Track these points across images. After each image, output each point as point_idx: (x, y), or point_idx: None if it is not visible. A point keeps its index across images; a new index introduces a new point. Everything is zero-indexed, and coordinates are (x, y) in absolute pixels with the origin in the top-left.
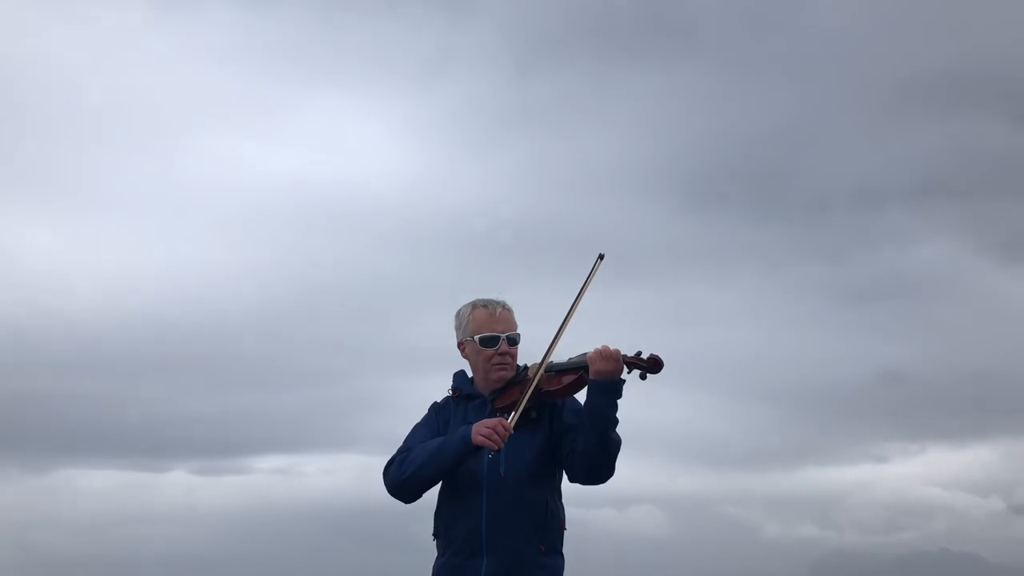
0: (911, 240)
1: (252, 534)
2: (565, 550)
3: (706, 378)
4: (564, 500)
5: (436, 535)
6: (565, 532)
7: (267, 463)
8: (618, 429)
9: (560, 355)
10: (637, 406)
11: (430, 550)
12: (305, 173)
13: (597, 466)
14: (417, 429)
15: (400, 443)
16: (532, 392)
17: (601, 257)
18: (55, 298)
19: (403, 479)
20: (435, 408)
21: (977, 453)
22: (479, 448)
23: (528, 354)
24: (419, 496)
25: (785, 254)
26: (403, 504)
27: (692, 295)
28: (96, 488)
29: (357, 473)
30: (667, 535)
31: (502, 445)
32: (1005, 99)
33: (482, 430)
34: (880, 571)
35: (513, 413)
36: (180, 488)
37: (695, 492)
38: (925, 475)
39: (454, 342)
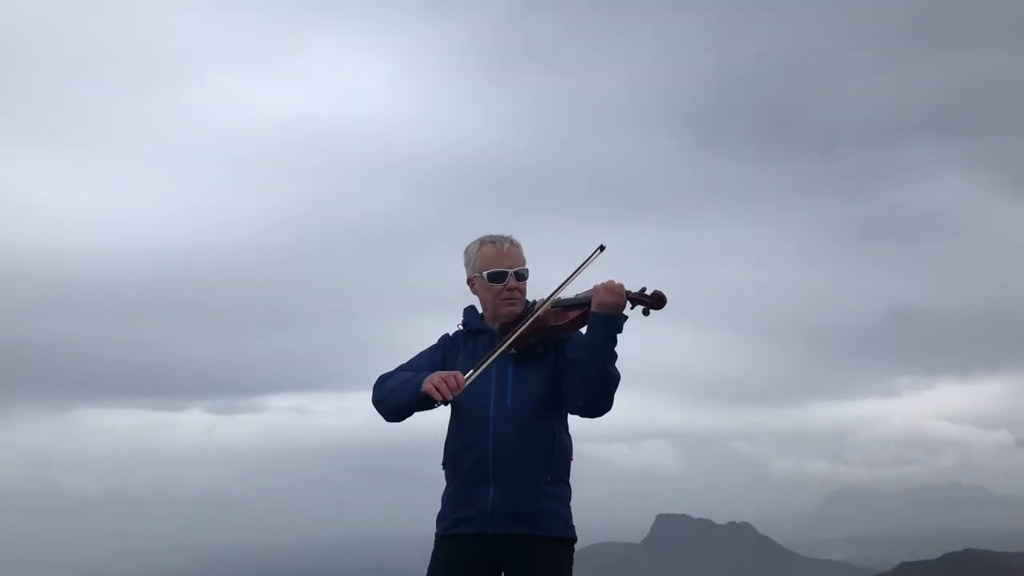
0: (922, 176)
1: (267, 471)
2: (572, 480)
3: (717, 316)
4: (575, 436)
5: (445, 465)
6: (572, 463)
7: (281, 402)
8: (626, 366)
9: (568, 292)
10: (648, 344)
11: (439, 484)
12: (310, 115)
13: (595, 399)
14: (420, 354)
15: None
16: (536, 325)
17: (601, 248)
18: (72, 242)
19: (377, 400)
20: (444, 340)
21: (986, 388)
22: (428, 398)
23: (533, 293)
24: (397, 421)
25: (795, 191)
26: (389, 423)
27: (702, 233)
28: (114, 427)
29: (369, 412)
30: (678, 470)
31: (450, 398)
32: (1020, 33)
33: (434, 379)
34: (889, 503)
35: (472, 371)
36: (196, 427)
37: (706, 428)
38: (934, 409)
39: (464, 280)
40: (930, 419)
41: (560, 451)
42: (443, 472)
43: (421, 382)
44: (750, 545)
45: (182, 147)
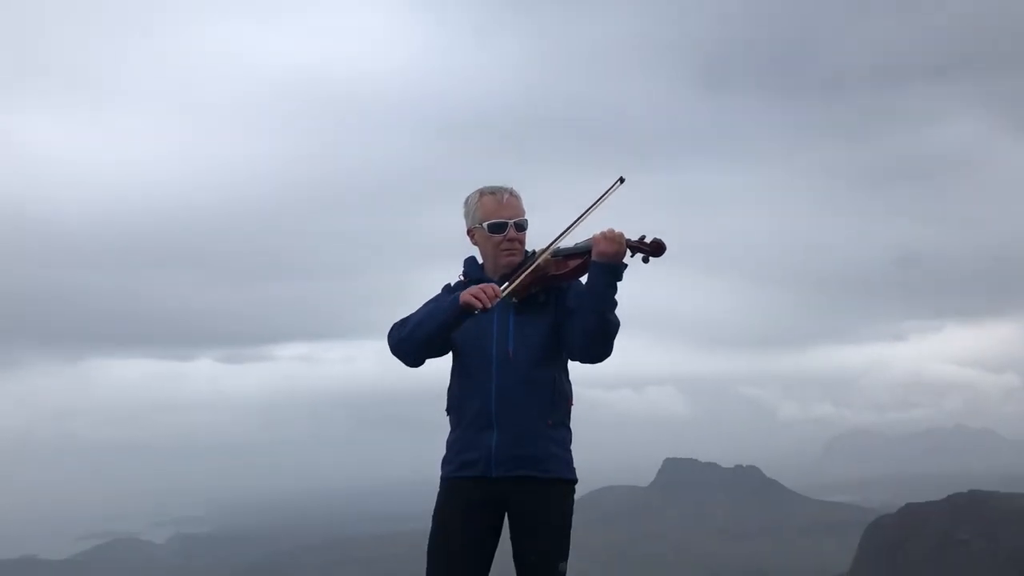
0: (931, 119)
1: (276, 419)
2: (579, 424)
3: (723, 262)
4: (582, 382)
5: (449, 411)
6: (572, 408)
7: (290, 351)
8: (633, 312)
9: (568, 241)
10: (655, 291)
11: (444, 430)
12: (315, 63)
13: (595, 346)
14: (426, 304)
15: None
16: (538, 275)
17: (621, 180)
18: (83, 194)
19: (401, 339)
20: (447, 289)
21: (994, 331)
22: (469, 309)
23: (535, 242)
24: (420, 360)
25: (802, 135)
26: (407, 367)
27: (707, 178)
28: (126, 377)
29: (376, 360)
30: (685, 415)
31: (490, 306)
32: None
33: (472, 290)
34: (895, 447)
35: (506, 284)
36: (206, 376)
37: (713, 373)
38: (941, 353)
39: (464, 231)
40: (937, 362)
41: (560, 397)
42: (447, 418)
43: (452, 299)
44: (757, 488)
45: (188, 97)
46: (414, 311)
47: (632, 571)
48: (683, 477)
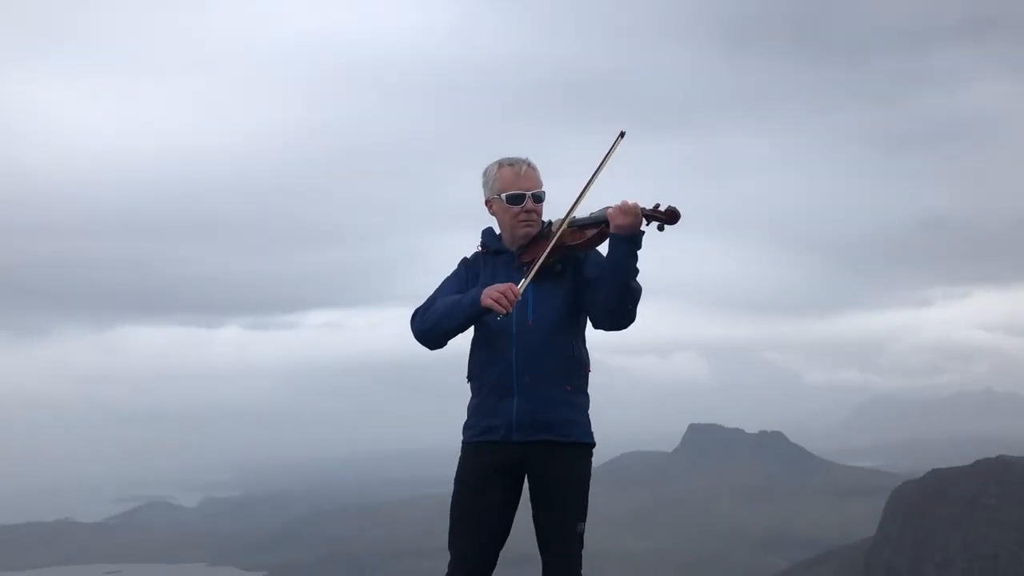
0: (959, 81)
1: (302, 385)
2: (604, 391)
3: (747, 228)
4: (605, 349)
5: (470, 378)
6: (589, 374)
7: (315, 318)
8: (658, 278)
9: (583, 210)
10: (678, 257)
11: (466, 394)
12: (335, 26)
13: (619, 313)
14: (446, 282)
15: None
16: (555, 247)
17: (622, 135)
18: (107, 164)
19: (424, 330)
20: (465, 263)
21: (1022, 295)
22: (488, 310)
23: (552, 211)
24: (442, 345)
25: (827, 98)
26: (429, 351)
27: (729, 143)
28: (154, 344)
29: (400, 326)
30: (709, 381)
31: (510, 310)
32: None
33: (492, 294)
34: (921, 412)
35: (524, 279)
36: (233, 343)
37: (737, 339)
38: (969, 318)
39: (482, 202)
40: (964, 328)
41: (578, 364)
42: (468, 384)
43: (475, 299)
44: (781, 453)
45: (212, 65)
46: (434, 295)
47: (656, 535)
48: (707, 442)
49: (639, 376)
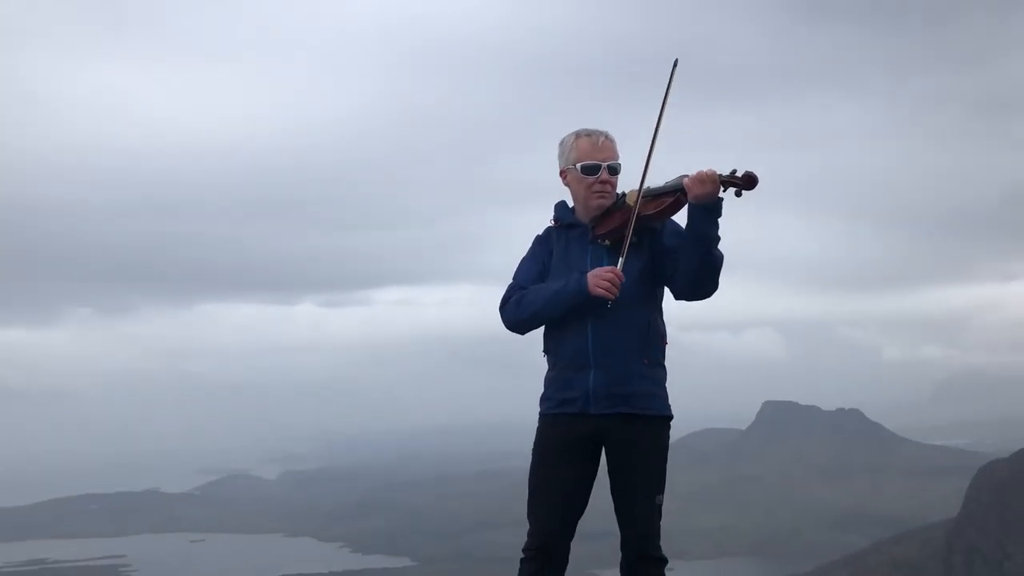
0: None
1: (376, 361)
2: (675, 368)
3: (823, 199)
4: (678, 325)
5: (546, 351)
6: (667, 347)
7: (388, 295)
8: (729, 252)
9: (657, 180)
10: (753, 231)
11: (539, 369)
12: (394, 8)
13: (702, 282)
14: (524, 263)
15: (509, 277)
16: (634, 221)
17: (676, 63)
18: (188, 146)
19: (521, 320)
20: (538, 240)
21: None
22: (595, 297)
23: (625, 183)
24: (531, 330)
25: (911, 63)
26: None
27: (807, 113)
28: (235, 320)
29: (472, 303)
30: (784, 358)
31: (618, 294)
32: None
33: (600, 282)
34: (1007, 389)
35: (620, 257)
36: (309, 319)
37: (813, 315)
38: None
39: (556, 172)
40: None
41: (656, 336)
42: (544, 357)
43: (581, 288)
44: (859, 431)
45: (285, 49)
46: (517, 280)
47: (729, 513)
48: (782, 420)
49: (712, 353)
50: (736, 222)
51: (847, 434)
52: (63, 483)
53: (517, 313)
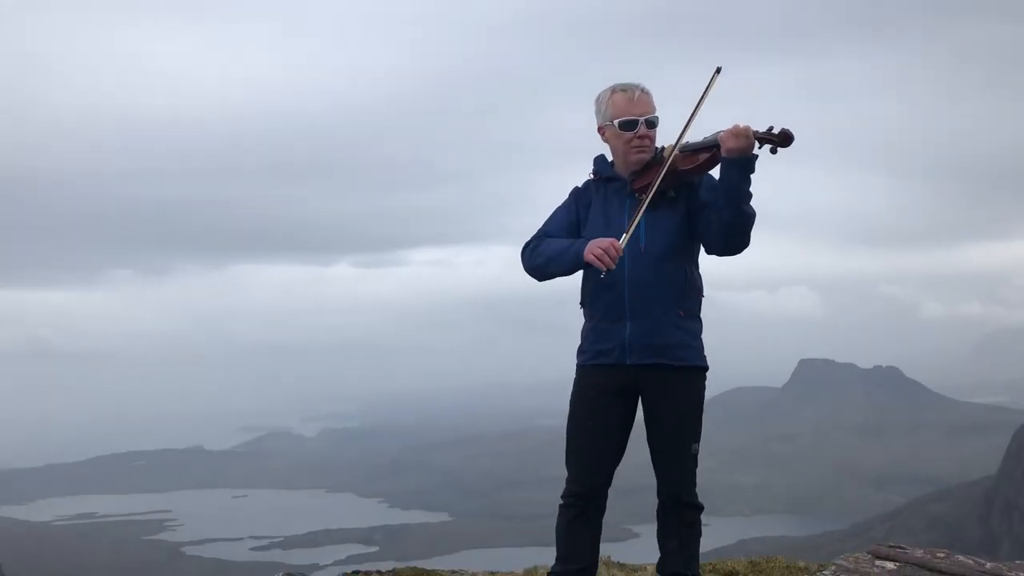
0: None
1: (413, 321)
2: (710, 326)
3: (859, 154)
4: (712, 284)
5: (583, 304)
6: (703, 299)
7: (423, 255)
8: (764, 210)
9: (695, 135)
10: (787, 188)
11: (574, 330)
12: None
13: (733, 238)
14: (556, 213)
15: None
16: (667, 173)
17: (718, 71)
18: (220, 109)
19: (533, 266)
20: (575, 192)
21: None
22: (590, 265)
23: (662, 139)
24: (549, 279)
25: (950, 13)
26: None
27: (840, 65)
28: (271, 281)
29: (507, 263)
30: (820, 315)
31: (612, 267)
32: None
33: (595, 250)
34: None
35: (624, 234)
36: (344, 280)
37: (850, 272)
38: None
39: (594, 129)
40: None
41: (692, 288)
42: (581, 310)
43: (579, 251)
44: (897, 389)
45: (311, 8)
46: (545, 227)
47: (764, 470)
48: (818, 378)
49: (747, 312)
50: (772, 179)
51: (884, 392)
52: (110, 441)
53: (531, 260)
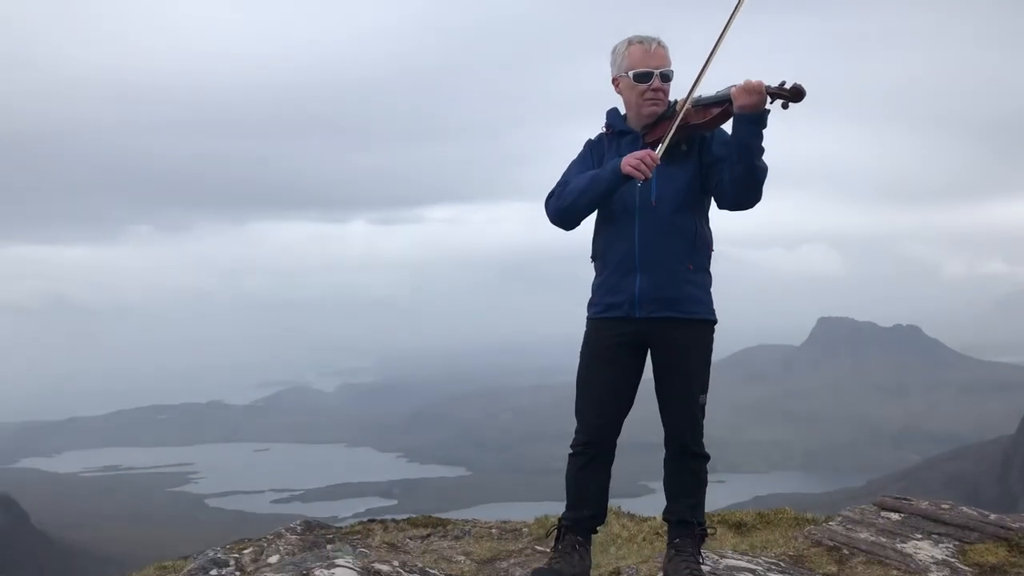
0: None
1: (428, 278)
2: (727, 283)
3: (880, 108)
4: (730, 241)
5: (594, 258)
6: (712, 253)
7: (439, 213)
8: (782, 168)
9: (708, 89)
10: (805, 144)
11: (587, 290)
12: None
13: (745, 193)
14: (573, 164)
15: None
16: (680, 126)
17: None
18: (237, 66)
19: (562, 208)
20: (589, 144)
21: None
22: (628, 178)
23: (677, 91)
24: (577, 224)
25: None
26: (564, 232)
27: (859, 16)
28: (288, 238)
29: (522, 221)
30: (840, 273)
31: (650, 175)
32: None
33: (631, 160)
34: None
35: (660, 144)
36: (361, 237)
37: (869, 230)
38: None
39: (608, 81)
40: None
41: (702, 242)
42: (592, 264)
43: (615, 168)
44: (917, 348)
45: None
46: (565, 175)
47: (782, 427)
48: (838, 336)
49: (766, 269)
50: (793, 133)
51: (904, 351)
52: (134, 395)
53: (559, 202)
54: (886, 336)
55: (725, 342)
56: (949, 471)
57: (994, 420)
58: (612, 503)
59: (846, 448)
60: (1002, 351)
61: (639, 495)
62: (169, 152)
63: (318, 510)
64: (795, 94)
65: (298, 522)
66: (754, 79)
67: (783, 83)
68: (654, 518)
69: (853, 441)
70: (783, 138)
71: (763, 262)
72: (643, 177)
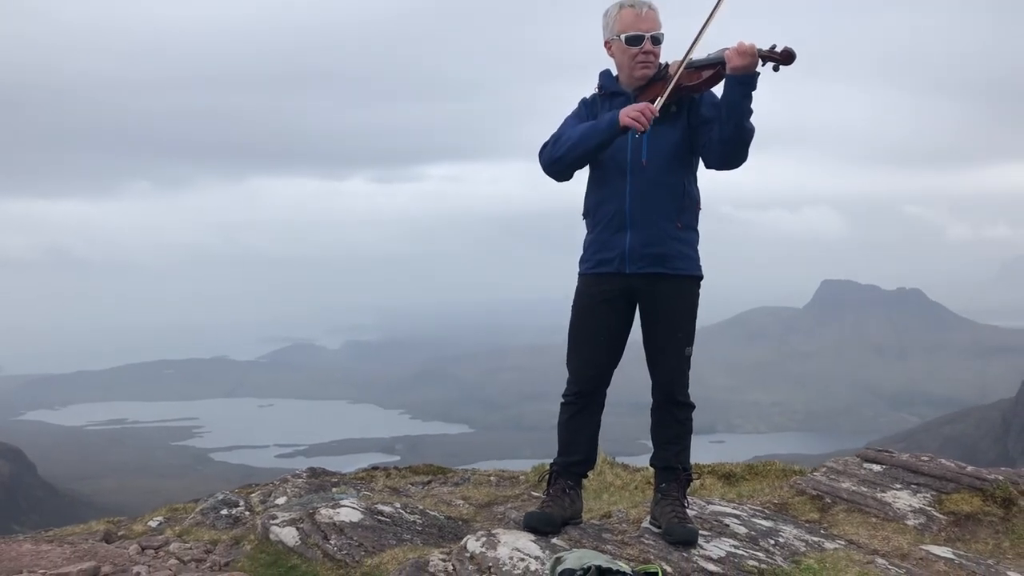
0: None
1: (430, 236)
2: (726, 243)
3: (886, 69)
4: (732, 202)
5: (586, 215)
6: (700, 212)
7: (439, 171)
8: (782, 128)
9: (700, 52)
10: (808, 105)
11: (577, 244)
12: None
13: (732, 153)
14: (568, 119)
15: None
16: (674, 87)
17: None
18: (233, 19)
19: (556, 158)
20: (584, 102)
21: None
22: (626, 130)
23: (666, 55)
24: (570, 176)
25: None
26: (557, 183)
27: None
28: (287, 194)
29: (522, 179)
30: (843, 236)
31: (647, 127)
32: None
33: (631, 112)
34: None
35: (660, 98)
36: (360, 194)
37: (873, 192)
38: None
39: (601, 43)
40: None
41: (690, 201)
42: (584, 222)
43: (613, 120)
44: (919, 311)
45: None
46: (560, 128)
47: (782, 388)
48: (840, 298)
49: (767, 231)
50: (794, 95)
51: (906, 314)
52: (139, 349)
53: (552, 152)
54: (889, 299)
55: (727, 304)
56: (948, 434)
57: (995, 383)
58: (607, 456)
59: (846, 410)
60: (1004, 315)
61: (639, 453)
62: (164, 106)
63: (321, 465)
64: (786, 57)
65: (304, 469)
66: (747, 42)
67: (773, 46)
68: (647, 468)
69: (853, 403)
70: (784, 100)
71: (766, 223)
72: (642, 128)
